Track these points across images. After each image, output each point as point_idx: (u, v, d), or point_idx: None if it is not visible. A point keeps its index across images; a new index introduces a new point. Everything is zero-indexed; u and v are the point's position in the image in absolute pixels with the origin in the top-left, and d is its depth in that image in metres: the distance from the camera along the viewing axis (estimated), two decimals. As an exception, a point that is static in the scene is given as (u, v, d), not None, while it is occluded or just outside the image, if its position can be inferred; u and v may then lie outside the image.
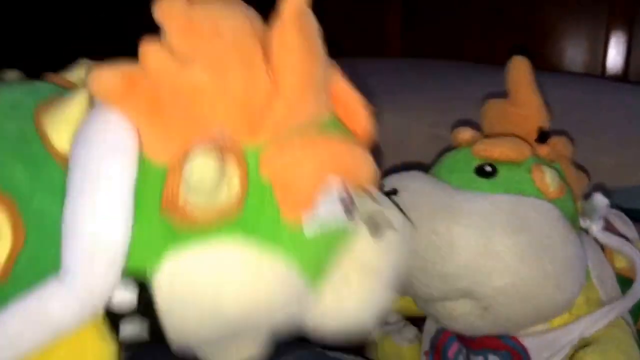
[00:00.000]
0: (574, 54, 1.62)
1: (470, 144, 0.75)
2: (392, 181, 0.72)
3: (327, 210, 0.55)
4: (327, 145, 0.56)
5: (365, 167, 0.59)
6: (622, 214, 0.81)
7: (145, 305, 0.53)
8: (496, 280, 0.66)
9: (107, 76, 0.51)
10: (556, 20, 1.63)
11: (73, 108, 0.54)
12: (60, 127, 0.53)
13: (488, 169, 0.71)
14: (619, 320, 0.71)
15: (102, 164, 0.51)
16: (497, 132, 0.78)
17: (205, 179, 0.49)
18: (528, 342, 0.72)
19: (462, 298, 0.69)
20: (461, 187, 0.71)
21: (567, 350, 0.70)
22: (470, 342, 0.76)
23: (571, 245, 0.69)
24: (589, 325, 0.70)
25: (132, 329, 0.55)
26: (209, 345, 0.59)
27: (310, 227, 0.54)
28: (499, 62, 1.62)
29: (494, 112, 0.80)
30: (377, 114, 1.31)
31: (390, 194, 0.68)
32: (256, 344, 0.62)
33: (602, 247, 0.77)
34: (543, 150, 0.76)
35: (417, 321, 0.87)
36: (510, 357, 0.72)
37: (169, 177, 0.52)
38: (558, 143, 0.78)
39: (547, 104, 0.78)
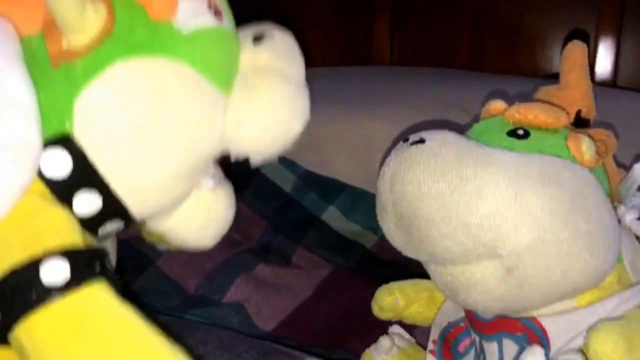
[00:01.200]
0: (563, 61, 1.62)
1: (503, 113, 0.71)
2: (419, 133, 0.68)
3: (192, 9, 0.57)
4: None
5: None
6: None
7: (85, 172, 0.55)
8: (524, 234, 0.61)
9: None
10: (547, 28, 1.64)
11: None
12: None
13: (520, 132, 0.67)
14: None
15: None
16: None
17: None
18: (549, 324, 0.66)
19: (483, 260, 0.64)
20: (492, 145, 0.66)
21: None
22: (484, 327, 0.71)
23: (606, 211, 0.65)
24: (618, 304, 0.64)
25: (86, 203, 0.56)
26: (163, 193, 0.60)
27: (182, 25, 0.56)
28: (489, 69, 1.65)
29: (541, 97, 0.75)
30: (367, 122, 1.32)
31: (417, 142, 0.65)
32: (205, 177, 0.63)
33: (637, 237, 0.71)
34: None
35: (410, 328, 0.87)
36: (527, 340, 0.67)
37: (46, 33, 0.55)
38: (601, 134, 0.71)
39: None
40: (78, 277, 0.51)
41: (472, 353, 0.75)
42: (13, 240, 0.52)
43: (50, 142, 0.54)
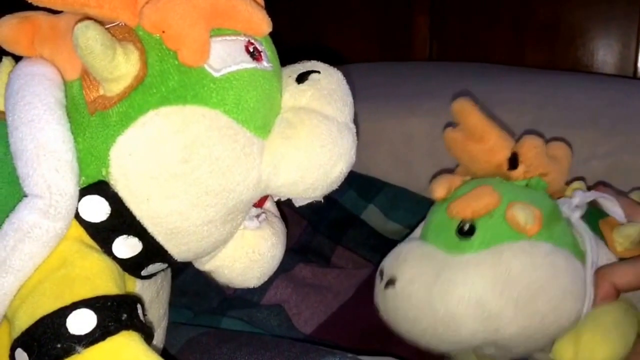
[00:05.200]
0: (605, 55, 1.61)
1: (447, 197, 0.78)
2: (391, 268, 0.76)
3: (227, 52, 0.56)
4: None
5: (253, 13, 0.57)
6: (608, 196, 0.80)
7: (123, 217, 0.56)
8: (503, 334, 0.70)
9: (6, 26, 0.57)
10: (587, 22, 1.62)
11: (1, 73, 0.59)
12: None
13: (466, 227, 0.72)
14: None
15: (26, 89, 0.54)
16: (467, 166, 0.82)
17: (90, 37, 0.50)
18: None
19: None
20: (449, 250, 0.73)
21: None
22: None
23: (562, 274, 0.70)
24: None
25: (126, 247, 0.57)
26: (201, 237, 0.59)
27: (215, 69, 0.55)
28: (528, 63, 1.63)
29: (457, 148, 0.82)
30: (406, 118, 1.32)
31: (389, 284, 0.74)
32: (248, 219, 0.63)
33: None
34: (517, 173, 0.77)
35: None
36: None
37: (84, 79, 0.56)
38: (529, 147, 0.78)
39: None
40: (104, 328, 0.50)
41: None
42: (47, 286, 0.52)
43: (88, 187, 0.55)
